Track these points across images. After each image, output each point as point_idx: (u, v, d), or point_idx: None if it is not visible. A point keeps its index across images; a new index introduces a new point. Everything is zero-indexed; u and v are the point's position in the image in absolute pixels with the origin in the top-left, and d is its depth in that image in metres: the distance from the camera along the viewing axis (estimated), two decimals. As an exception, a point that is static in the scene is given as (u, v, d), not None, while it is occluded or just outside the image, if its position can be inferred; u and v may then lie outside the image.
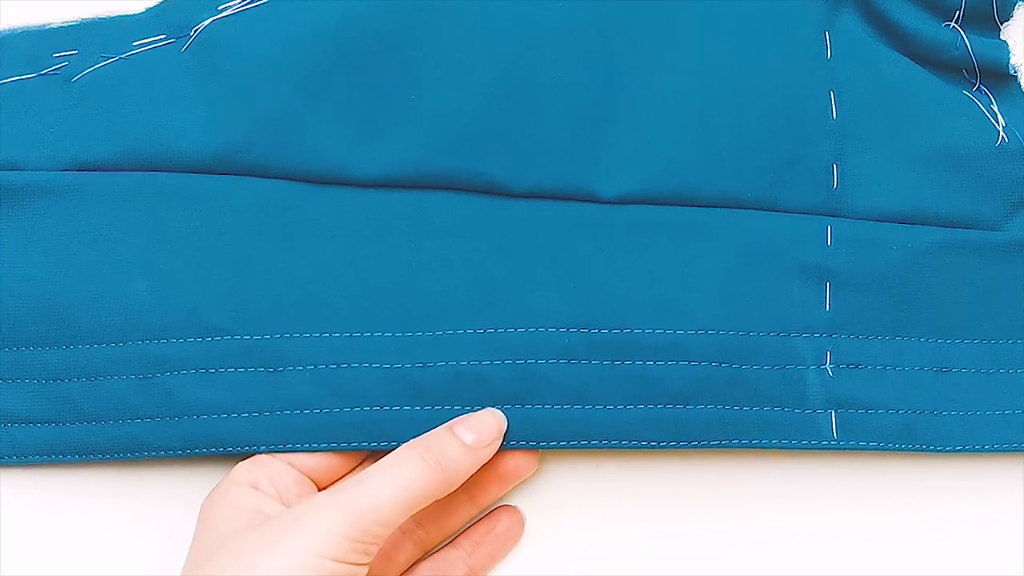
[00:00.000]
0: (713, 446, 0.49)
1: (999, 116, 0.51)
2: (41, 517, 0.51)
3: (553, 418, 0.49)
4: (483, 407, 0.49)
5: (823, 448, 0.49)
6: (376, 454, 0.49)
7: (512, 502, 0.51)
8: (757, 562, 0.51)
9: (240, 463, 0.48)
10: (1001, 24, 0.52)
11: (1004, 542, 0.51)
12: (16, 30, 0.51)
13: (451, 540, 0.50)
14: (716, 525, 0.51)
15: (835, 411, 0.49)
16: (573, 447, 0.49)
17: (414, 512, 0.45)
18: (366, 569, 0.44)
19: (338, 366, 0.49)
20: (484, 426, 0.48)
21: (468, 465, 0.47)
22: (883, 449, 0.49)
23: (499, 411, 0.49)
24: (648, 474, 0.51)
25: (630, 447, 0.49)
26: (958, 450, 0.50)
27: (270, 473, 0.48)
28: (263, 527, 0.44)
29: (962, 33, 0.51)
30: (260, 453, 0.49)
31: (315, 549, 0.42)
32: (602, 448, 0.49)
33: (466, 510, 0.50)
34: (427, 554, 0.50)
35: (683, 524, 0.51)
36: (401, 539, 0.49)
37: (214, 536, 0.45)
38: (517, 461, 0.49)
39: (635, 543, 0.51)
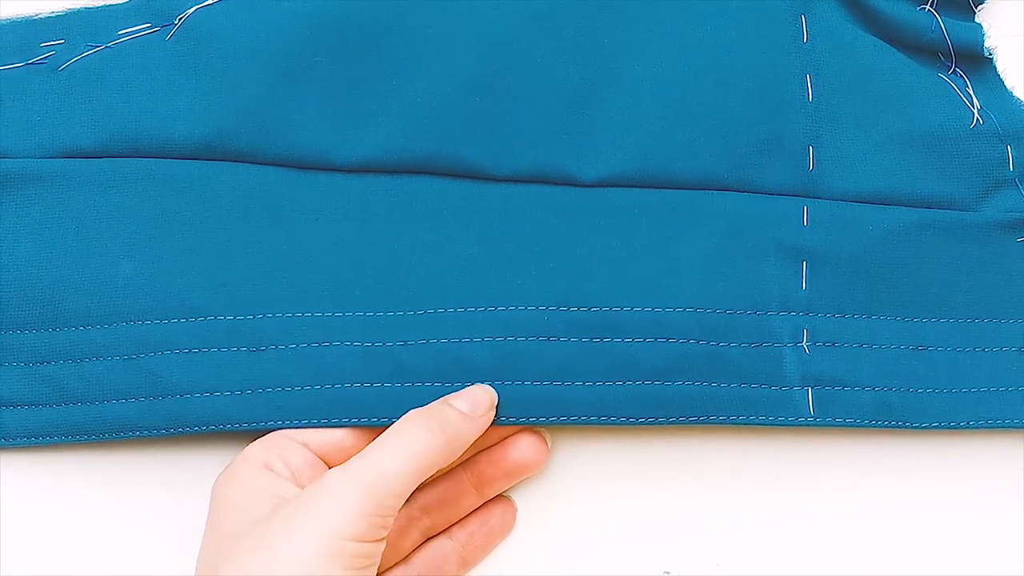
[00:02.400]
0: (691, 422, 0.49)
1: (974, 98, 0.51)
2: (40, 504, 0.51)
3: (534, 395, 0.49)
4: (465, 384, 0.49)
5: (799, 424, 0.50)
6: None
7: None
8: (741, 541, 0.51)
9: (252, 442, 0.48)
10: (976, 7, 0.52)
11: (981, 517, 0.51)
12: (3, 21, 0.51)
13: (445, 529, 0.51)
14: (702, 504, 0.51)
15: (811, 388, 0.50)
16: (554, 423, 0.49)
17: (423, 480, 0.45)
18: (383, 545, 0.44)
19: (319, 344, 0.49)
20: (476, 397, 0.48)
21: (468, 432, 0.47)
22: (859, 425, 0.50)
23: (488, 386, 0.49)
24: (633, 455, 0.52)
25: (610, 423, 0.49)
26: (934, 427, 0.50)
27: (283, 454, 0.48)
28: (279, 512, 0.44)
29: (937, 16, 0.51)
30: (243, 430, 0.49)
31: (334, 532, 0.43)
32: (582, 424, 0.49)
33: (471, 501, 0.50)
34: (424, 542, 0.51)
35: (671, 505, 0.51)
36: (407, 527, 0.50)
37: (233, 522, 0.45)
38: (525, 456, 0.50)
39: (621, 524, 0.51)
